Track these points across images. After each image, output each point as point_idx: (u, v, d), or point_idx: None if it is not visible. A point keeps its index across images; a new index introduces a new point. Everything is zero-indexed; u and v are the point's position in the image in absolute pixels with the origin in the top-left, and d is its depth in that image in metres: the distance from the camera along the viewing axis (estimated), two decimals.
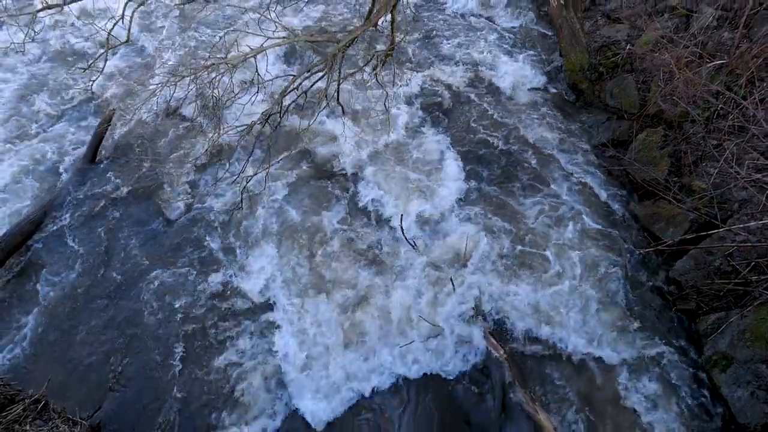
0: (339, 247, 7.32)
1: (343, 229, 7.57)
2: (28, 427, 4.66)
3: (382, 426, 5.64)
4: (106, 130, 8.92)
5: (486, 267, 6.92)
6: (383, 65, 7.82)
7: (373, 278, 6.88)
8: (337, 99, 7.30)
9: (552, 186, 8.01)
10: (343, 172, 8.46)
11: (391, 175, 8.28)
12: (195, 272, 7.09)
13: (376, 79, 7.23)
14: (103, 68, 8.54)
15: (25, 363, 6.21)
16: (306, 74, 6.77)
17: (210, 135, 7.13)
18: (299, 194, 8.11)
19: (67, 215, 7.80)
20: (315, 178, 8.37)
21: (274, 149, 8.34)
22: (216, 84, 6.52)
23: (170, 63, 10.89)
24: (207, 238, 7.51)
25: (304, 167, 8.54)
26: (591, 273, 6.82)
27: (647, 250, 6.98)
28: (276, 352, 6.24)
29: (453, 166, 8.40)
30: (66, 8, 7.93)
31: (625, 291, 6.64)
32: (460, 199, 7.91)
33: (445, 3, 12.72)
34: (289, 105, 7.19)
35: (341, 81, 7.21)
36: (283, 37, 6.55)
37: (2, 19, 9.35)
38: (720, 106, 7.26)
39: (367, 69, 8.26)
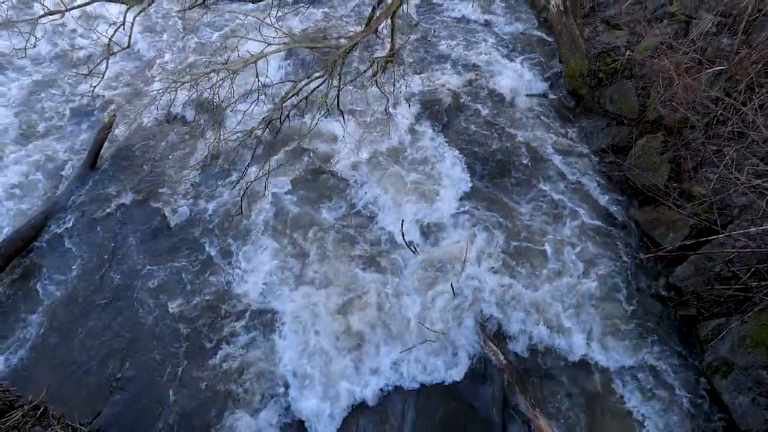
0: (338, 250, 7.33)
1: (343, 232, 7.58)
2: None
3: None
4: (107, 135, 8.94)
5: (486, 272, 6.91)
6: (383, 71, 7.83)
7: (372, 282, 6.87)
8: (338, 105, 7.31)
9: (551, 191, 8.01)
10: (343, 175, 8.47)
11: (391, 179, 8.29)
12: (194, 276, 7.09)
13: (377, 85, 7.23)
14: (104, 74, 8.56)
15: (24, 368, 6.20)
16: (306, 80, 6.78)
17: (210, 140, 7.13)
18: (299, 198, 8.12)
19: (68, 220, 7.80)
20: (315, 182, 8.38)
21: (274, 153, 8.36)
22: (216, 89, 6.53)
23: (171, 68, 10.91)
24: (207, 243, 7.52)
25: (304, 171, 8.55)
26: (591, 278, 6.81)
27: (647, 255, 6.97)
28: (275, 355, 6.24)
29: (453, 170, 8.41)
30: (67, 14, 7.95)
31: (625, 297, 6.63)
32: (460, 204, 7.91)
33: (446, 9, 12.77)
34: (290, 110, 7.20)
35: (341, 87, 7.22)
36: (284, 43, 6.56)
37: (4, 25, 9.37)
38: (719, 111, 7.27)
39: (367, 75, 8.28)
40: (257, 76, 6.96)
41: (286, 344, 6.33)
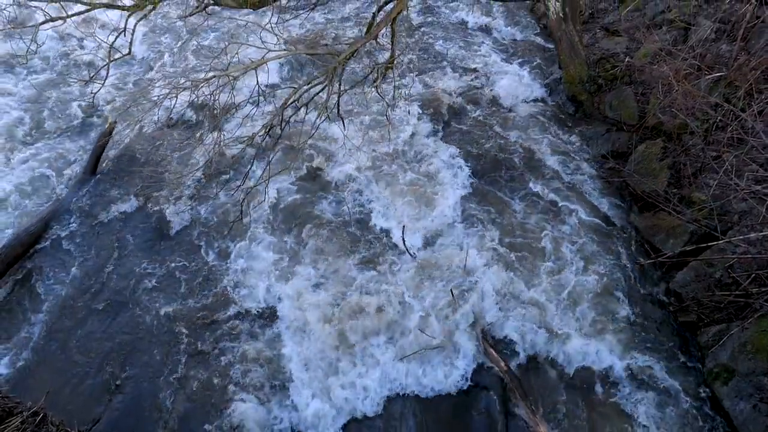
0: (337, 255, 7.33)
1: (343, 236, 7.59)
2: None
3: None
4: (107, 141, 8.96)
5: (486, 278, 6.90)
6: (383, 77, 7.85)
7: (372, 287, 6.86)
8: (338, 111, 7.32)
9: (551, 197, 8.02)
10: (343, 180, 8.50)
11: (391, 184, 8.30)
12: (194, 281, 7.09)
13: (377, 92, 7.25)
14: (105, 80, 8.58)
15: (24, 374, 6.17)
16: (306, 86, 6.79)
17: (210, 146, 7.14)
18: (298, 202, 8.14)
19: (69, 226, 7.80)
20: (315, 186, 8.40)
21: (274, 158, 8.36)
22: (217, 96, 6.54)
23: (171, 75, 10.95)
24: (207, 247, 7.53)
25: (303, 176, 8.58)
26: (591, 284, 6.81)
27: (648, 261, 6.97)
28: (275, 360, 6.23)
29: (452, 176, 8.42)
30: (69, 21, 7.97)
31: (625, 303, 6.63)
32: (459, 209, 7.92)
33: (446, 15, 12.81)
34: (290, 117, 7.21)
35: (341, 93, 7.24)
36: (284, 50, 6.59)
37: (5, 31, 9.40)
38: (719, 118, 7.28)
39: (368, 81, 8.30)
40: (257, 82, 6.98)
41: (285, 349, 6.33)
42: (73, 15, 7.92)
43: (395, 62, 7.57)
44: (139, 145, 9.30)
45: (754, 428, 5.12)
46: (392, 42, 7.45)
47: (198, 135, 9.36)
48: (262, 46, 6.44)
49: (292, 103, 6.69)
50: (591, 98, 9.43)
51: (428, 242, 7.53)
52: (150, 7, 8.10)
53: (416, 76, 10.77)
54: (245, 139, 6.86)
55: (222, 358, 6.25)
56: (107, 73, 8.49)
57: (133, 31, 8.32)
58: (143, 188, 8.41)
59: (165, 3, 8.68)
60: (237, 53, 7.13)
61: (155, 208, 8.09)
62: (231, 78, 6.48)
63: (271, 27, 6.98)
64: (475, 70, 10.86)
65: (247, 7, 8.87)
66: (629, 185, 7.89)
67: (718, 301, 6.10)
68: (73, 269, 7.27)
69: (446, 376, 6.01)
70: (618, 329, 6.35)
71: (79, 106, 10.24)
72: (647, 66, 8.69)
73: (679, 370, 5.99)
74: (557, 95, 10.08)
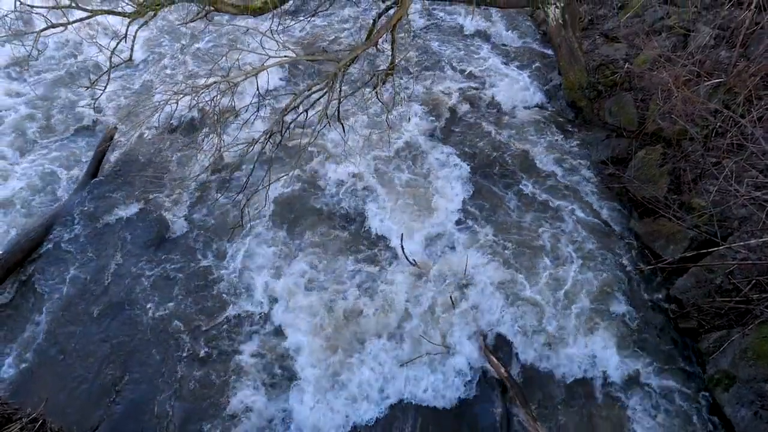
0: (337, 260, 7.34)
1: (342, 241, 7.60)
2: None
3: None
4: (108, 147, 8.98)
5: (486, 285, 6.90)
6: (384, 83, 7.87)
7: (373, 295, 6.86)
8: (338, 117, 7.34)
9: (551, 203, 8.02)
10: (343, 183, 8.50)
11: (391, 191, 8.31)
12: (193, 286, 7.09)
13: (377, 98, 7.27)
14: (106, 86, 8.60)
15: (23, 381, 6.16)
16: (307, 93, 6.81)
17: (211, 152, 7.16)
18: (298, 207, 8.15)
19: (69, 231, 7.80)
20: (315, 191, 8.40)
21: (275, 164, 8.38)
22: (217, 102, 6.56)
23: (172, 81, 10.97)
24: (206, 252, 7.53)
25: (304, 182, 8.57)
26: (592, 290, 6.80)
27: (648, 267, 6.97)
28: (275, 365, 6.23)
29: (452, 182, 8.43)
30: (70, 27, 8.01)
31: (626, 309, 6.62)
32: (459, 216, 7.93)
33: (446, 21, 12.85)
34: (290, 123, 7.23)
35: (342, 99, 7.26)
36: (285, 56, 6.60)
37: (7, 38, 9.43)
38: (718, 124, 7.29)
39: (368, 87, 8.33)
40: (257, 88, 7.00)
41: (284, 352, 6.34)
42: (74, 21, 7.96)
43: (395, 68, 7.59)
44: (141, 149, 9.32)
45: None
46: (392, 48, 7.48)
47: (199, 140, 9.37)
48: (263, 53, 6.46)
49: (292, 109, 6.71)
50: (591, 104, 9.44)
51: (428, 246, 7.52)
52: (151, 13, 8.13)
53: (416, 81, 10.79)
54: (246, 144, 6.87)
55: (221, 362, 6.25)
56: (108, 79, 8.51)
57: (134, 37, 8.35)
58: (144, 192, 8.42)
59: (166, 9, 8.69)
60: (238, 59, 7.15)
61: (156, 212, 8.10)
62: (231, 84, 6.51)
63: (272, 33, 7.01)
64: (475, 75, 10.89)
65: (247, 14, 8.91)
66: (629, 191, 7.89)
67: (719, 307, 6.10)
68: (74, 274, 7.27)
69: (446, 382, 6.00)
70: (618, 335, 6.34)
71: (81, 111, 10.25)
72: (647, 72, 8.71)
73: (680, 376, 5.97)
74: (557, 101, 10.10)
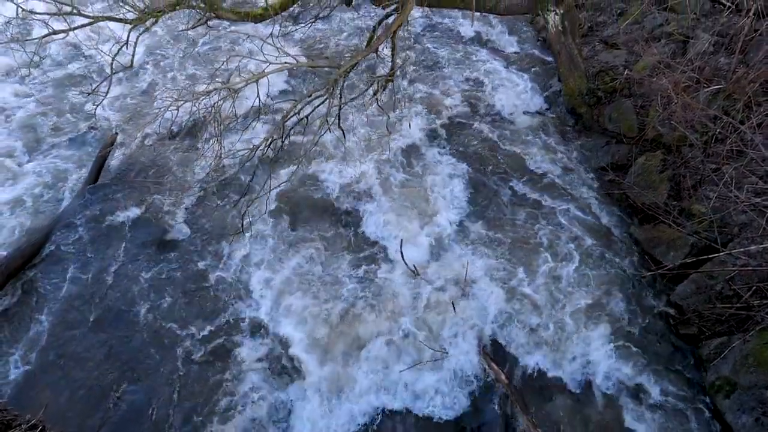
0: (336, 265, 7.34)
1: (342, 247, 7.61)
2: None
3: None
4: (108, 153, 8.98)
5: (485, 291, 6.90)
6: (384, 89, 7.90)
7: (372, 301, 6.85)
8: (338, 123, 7.37)
9: (551, 210, 8.02)
10: (343, 192, 8.50)
11: (391, 197, 8.31)
12: (193, 291, 7.08)
13: (377, 104, 7.30)
14: (107, 92, 8.63)
15: (22, 386, 6.15)
16: (307, 99, 6.84)
17: (211, 158, 7.17)
18: (298, 212, 8.16)
19: (69, 237, 7.80)
20: (315, 199, 8.40)
21: (275, 170, 8.40)
22: (218, 108, 6.58)
23: (173, 87, 11.00)
24: (205, 258, 7.52)
25: (304, 188, 8.58)
26: (591, 297, 6.80)
27: (648, 273, 6.96)
28: (274, 369, 6.23)
29: (452, 188, 8.43)
30: (71, 33, 8.04)
31: (626, 315, 6.61)
32: (459, 222, 7.93)
33: (446, 27, 12.89)
34: (291, 129, 7.25)
35: (342, 105, 7.29)
36: (285, 63, 6.63)
37: (8, 44, 9.48)
38: (718, 130, 7.30)
39: (368, 93, 8.36)
40: (258, 94, 7.02)
41: (283, 356, 6.33)
42: (76, 28, 7.99)
43: (395, 74, 7.62)
44: (141, 156, 9.33)
45: None
46: (393, 54, 7.51)
47: (199, 146, 9.39)
48: (263, 59, 6.49)
49: (292, 115, 6.74)
50: (590, 110, 9.46)
51: (428, 252, 7.52)
52: (152, 20, 8.17)
53: (416, 86, 10.81)
54: (246, 151, 6.89)
55: (221, 368, 6.24)
56: (109, 85, 8.54)
57: (135, 43, 8.38)
58: (144, 199, 8.42)
59: (167, 16, 8.73)
60: (238, 65, 7.19)
61: (156, 219, 8.10)
62: (232, 91, 6.53)
63: (272, 39, 7.04)
64: (475, 81, 10.92)
65: (248, 20, 8.95)
66: (629, 197, 7.90)
67: (719, 313, 6.09)
68: (73, 282, 7.26)
69: (446, 388, 5.99)
70: (619, 342, 6.33)
71: (81, 117, 10.28)
72: (646, 78, 8.73)
73: (681, 382, 5.96)
74: (557, 107, 10.13)
